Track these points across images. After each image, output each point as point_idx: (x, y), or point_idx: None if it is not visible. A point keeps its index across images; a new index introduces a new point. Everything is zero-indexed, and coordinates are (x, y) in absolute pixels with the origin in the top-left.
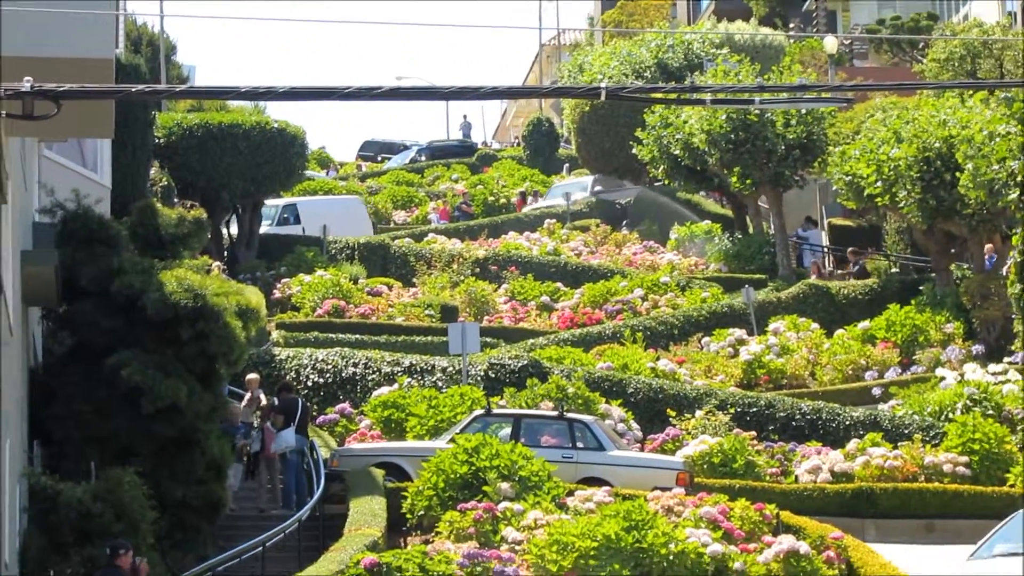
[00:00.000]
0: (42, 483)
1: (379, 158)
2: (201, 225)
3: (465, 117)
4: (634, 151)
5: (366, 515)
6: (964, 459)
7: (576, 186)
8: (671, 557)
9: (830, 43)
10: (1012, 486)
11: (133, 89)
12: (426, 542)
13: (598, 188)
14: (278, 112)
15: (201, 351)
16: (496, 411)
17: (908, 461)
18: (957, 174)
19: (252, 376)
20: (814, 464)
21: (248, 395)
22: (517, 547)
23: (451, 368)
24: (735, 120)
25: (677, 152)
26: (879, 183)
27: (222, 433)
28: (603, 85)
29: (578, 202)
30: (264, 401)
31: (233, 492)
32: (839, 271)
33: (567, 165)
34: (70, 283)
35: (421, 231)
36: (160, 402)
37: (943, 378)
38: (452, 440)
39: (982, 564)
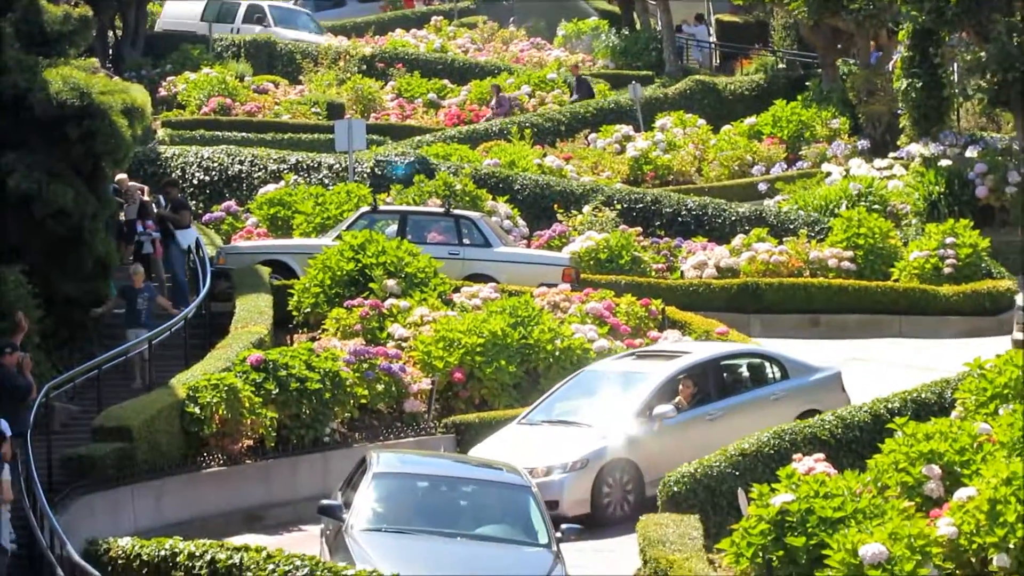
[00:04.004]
0: None
1: None
2: (87, 22)
3: None
4: None
5: (252, 313)
6: (849, 254)
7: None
8: (557, 353)
9: None
10: (896, 280)
11: None
12: (312, 339)
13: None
14: None
15: (88, 150)
16: (382, 208)
17: (793, 256)
18: None
19: (122, 176)
20: (700, 259)
21: (143, 196)
22: (403, 344)
23: (337, 165)
24: None
25: None
26: None
27: (107, 234)
28: None
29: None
30: (147, 198)
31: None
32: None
33: None
34: None
35: None
36: (49, 208)
37: (829, 173)
38: (338, 237)
39: (521, 431)
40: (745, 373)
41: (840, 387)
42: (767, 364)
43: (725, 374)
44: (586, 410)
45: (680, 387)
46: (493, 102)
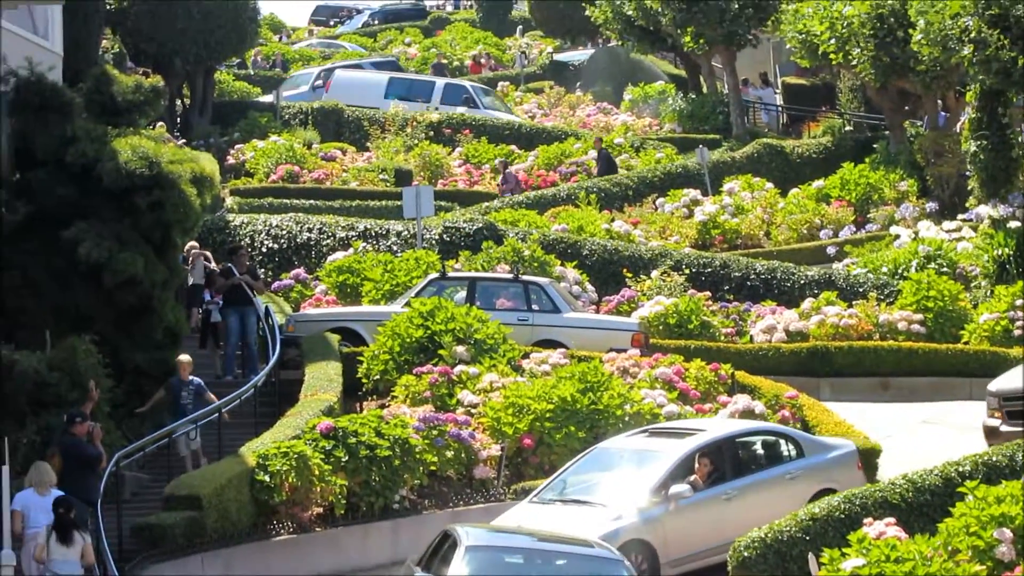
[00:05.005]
0: None
1: (331, 23)
2: (158, 92)
3: None
4: (587, 12)
5: (322, 380)
6: (919, 317)
7: (302, 78)
8: (627, 418)
9: None
10: (966, 343)
11: None
12: (382, 406)
13: (318, 82)
14: None
15: (157, 219)
16: (451, 274)
17: (863, 319)
18: (910, 31)
19: (192, 243)
20: (769, 323)
21: (209, 263)
22: (473, 410)
23: (406, 232)
24: None
25: (631, 12)
26: (832, 40)
27: (177, 303)
28: None
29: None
30: (214, 265)
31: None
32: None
33: (520, 27)
34: (24, 152)
35: None
36: (120, 276)
37: (897, 236)
38: (407, 304)
39: (533, 511)
40: (760, 451)
41: (856, 465)
42: (782, 442)
43: (740, 452)
44: (599, 489)
45: (696, 465)
46: (500, 179)
